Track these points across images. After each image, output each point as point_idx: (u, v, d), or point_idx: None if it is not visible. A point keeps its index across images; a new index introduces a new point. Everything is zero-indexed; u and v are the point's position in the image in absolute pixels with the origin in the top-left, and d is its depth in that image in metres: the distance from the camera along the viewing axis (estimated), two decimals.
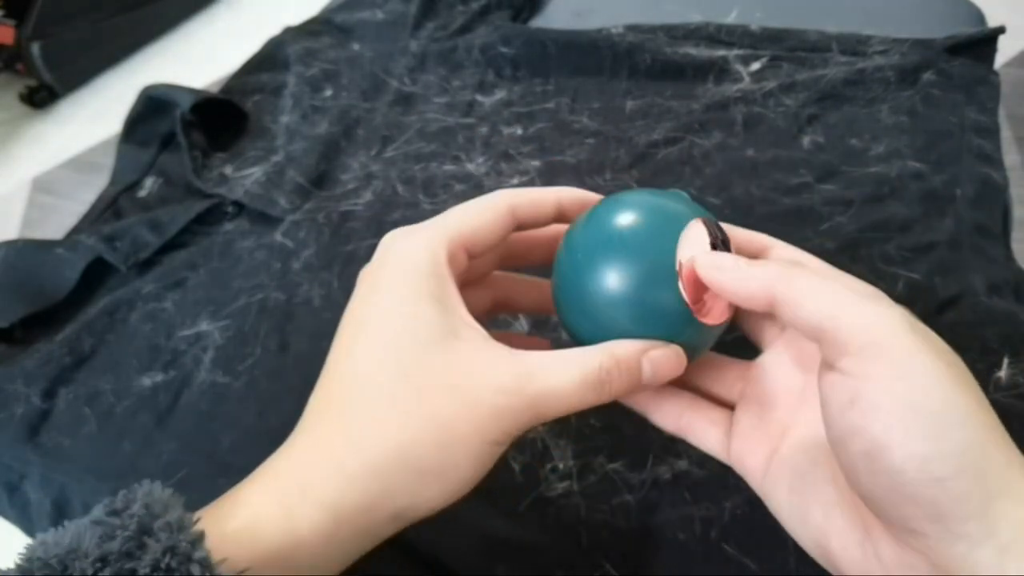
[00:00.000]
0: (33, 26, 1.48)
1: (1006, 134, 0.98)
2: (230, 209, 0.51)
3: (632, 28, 0.57)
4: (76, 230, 0.53)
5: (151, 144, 0.58)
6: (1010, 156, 1.08)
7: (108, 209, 0.54)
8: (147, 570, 0.18)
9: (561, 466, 0.34)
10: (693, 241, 0.24)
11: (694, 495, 0.32)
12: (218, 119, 0.58)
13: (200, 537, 0.19)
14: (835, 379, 0.20)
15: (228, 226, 0.50)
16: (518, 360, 0.23)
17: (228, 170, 0.53)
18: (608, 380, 0.23)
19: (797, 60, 0.52)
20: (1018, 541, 0.17)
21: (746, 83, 0.51)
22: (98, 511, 0.19)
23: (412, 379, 0.22)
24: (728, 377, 0.27)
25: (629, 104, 0.52)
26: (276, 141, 0.56)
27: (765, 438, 0.25)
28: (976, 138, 0.45)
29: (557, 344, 0.34)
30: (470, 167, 0.50)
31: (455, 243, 0.25)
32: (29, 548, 0.19)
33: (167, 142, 0.58)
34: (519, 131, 0.52)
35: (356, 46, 0.64)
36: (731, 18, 0.58)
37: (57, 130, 1.56)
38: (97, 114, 1.58)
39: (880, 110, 0.47)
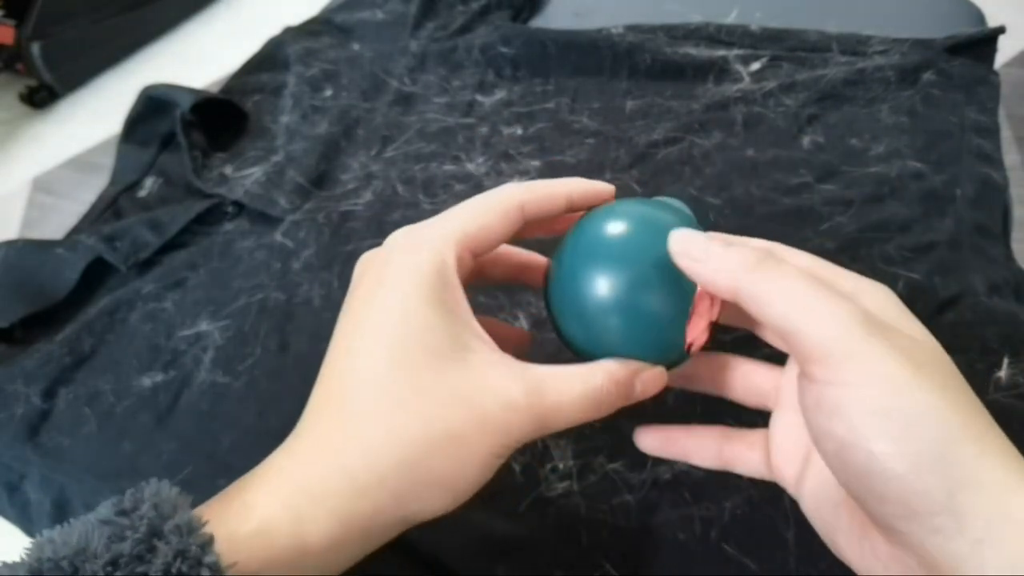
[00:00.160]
0: (33, 26, 1.48)
1: (1006, 134, 0.98)
2: (230, 209, 0.51)
3: (632, 28, 0.57)
4: (76, 230, 0.53)
5: (151, 144, 0.58)
6: (1010, 156, 1.08)
7: (108, 209, 0.54)
8: (158, 574, 0.18)
9: (561, 466, 0.34)
10: (699, 314, 0.25)
11: (694, 495, 0.32)
12: (218, 119, 0.58)
13: (210, 541, 0.19)
14: (804, 383, 0.21)
15: (228, 226, 0.50)
16: (527, 375, 0.23)
17: (228, 170, 0.53)
18: (607, 399, 0.24)
19: (797, 60, 0.52)
20: (992, 532, 0.18)
21: (746, 83, 0.51)
22: (106, 510, 0.19)
23: (425, 390, 0.22)
24: (756, 384, 0.27)
25: (629, 104, 0.52)
26: (276, 141, 0.56)
27: (799, 445, 0.25)
28: (976, 138, 0.45)
29: (541, 341, 0.34)
30: (470, 167, 0.50)
31: (463, 246, 0.24)
32: (36, 546, 0.19)
33: (167, 142, 0.58)
34: (519, 131, 0.52)
35: (356, 46, 0.64)
36: (731, 18, 0.58)
37: (57, 130, 1.56)
38: (97, 114, 1.58)
39: (880, 110, 0.47)
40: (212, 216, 0.51)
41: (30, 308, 0.46)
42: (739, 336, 0.29)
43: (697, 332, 0.25)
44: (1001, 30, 0.49)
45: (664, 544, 0.31)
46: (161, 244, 0.48)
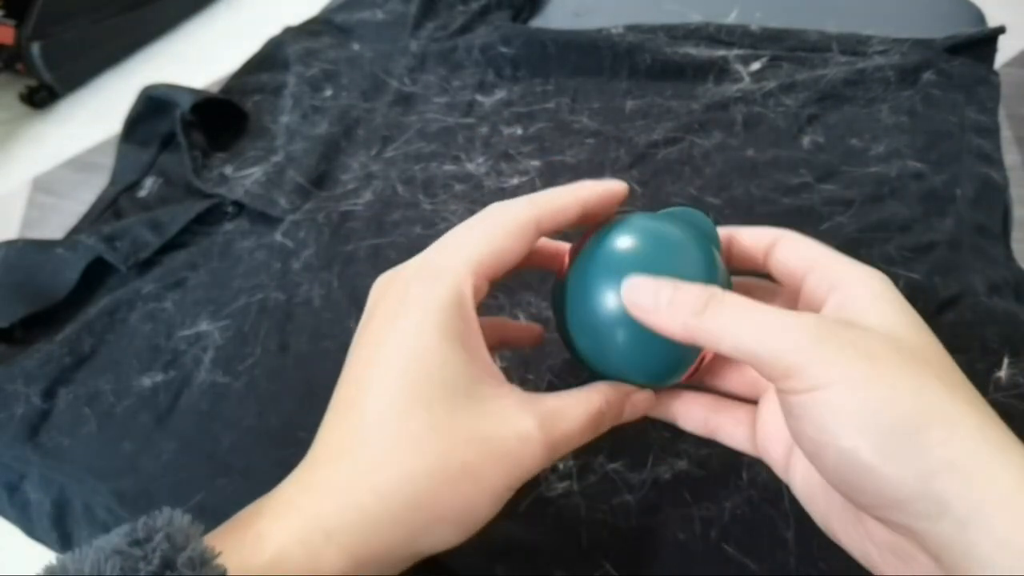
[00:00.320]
0: (33, 26, 1.48)
1: (1006, 134, 0.98)
2: (230, 209, 0.51)
3: (632, 28, 0.57)
4: (76, 230, 0.53)
5: (151, 144, 0.58)
6: (1010, 156, 1.07)
7: (108, 209, 0.54)
8: None
9: (561, 466, 0.34)
10: None
11: (694, 495, 0.32)
12: (218, 119, 0.58)
13: (223, 574, 0.19)
14: (779, 395, 0.22)
15: (228, 226, 0.50)
16: (539, 408, 0.23)
17: (228, 170, 0.53)
18: (603, 422, 0.25)
19: (797, 60, 0.52)
20: (976, 514, 0.18)
21: (746, 83, 0.51)
22: (119, 539, 0.19)
23: (440, 427, 0.22)
24: (750, 376, 0.28)
25: (629, 104, 0.52)
26: (276, 141, 0.56)
27: (783, 430, 0.25)
28: (976, 138, 0.45)
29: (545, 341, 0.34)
30: (470, 167, 0.50)
31: (479, 275, 0.24)
32: (48, 570, 0.19)
33: (167, 142, 0.58)
34: (519, 131, 0.52)
35: (356, 46, 0.64)
36: (731, 18, 0.58)
37: (57, 130, 1.56)
38: (97, 114, 1.58)
39: (880, 110, 0.47)
40: (212, 216, 0.51)
41: (30, 308, 0.46)
42: None
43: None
44: (1001, 30, 0.49)
45: (664, 544, 0.31)
46: (161, 244, 0.48)
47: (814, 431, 0.20)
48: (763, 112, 0.49)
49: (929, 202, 0.42)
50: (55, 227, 1.14)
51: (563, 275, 0.27)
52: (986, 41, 0.49)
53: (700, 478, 0.32)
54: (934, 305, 0.37)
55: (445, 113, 0.55)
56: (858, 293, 0.22)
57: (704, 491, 0.32)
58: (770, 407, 0.26)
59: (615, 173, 0.48)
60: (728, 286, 0.26)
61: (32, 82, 1.59)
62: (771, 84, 0.50)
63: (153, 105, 0.57)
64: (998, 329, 0.35)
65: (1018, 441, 0.19)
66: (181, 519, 0.20)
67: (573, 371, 0.37)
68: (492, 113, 0.54)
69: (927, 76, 0.48)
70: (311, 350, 0.41)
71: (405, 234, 0.46)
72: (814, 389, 0.20)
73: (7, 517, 0.42)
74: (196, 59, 1.67)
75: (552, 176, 0.48)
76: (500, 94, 0.56)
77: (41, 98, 1.59)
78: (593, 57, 0.55)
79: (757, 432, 0.27)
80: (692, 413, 0.28)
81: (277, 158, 0.53)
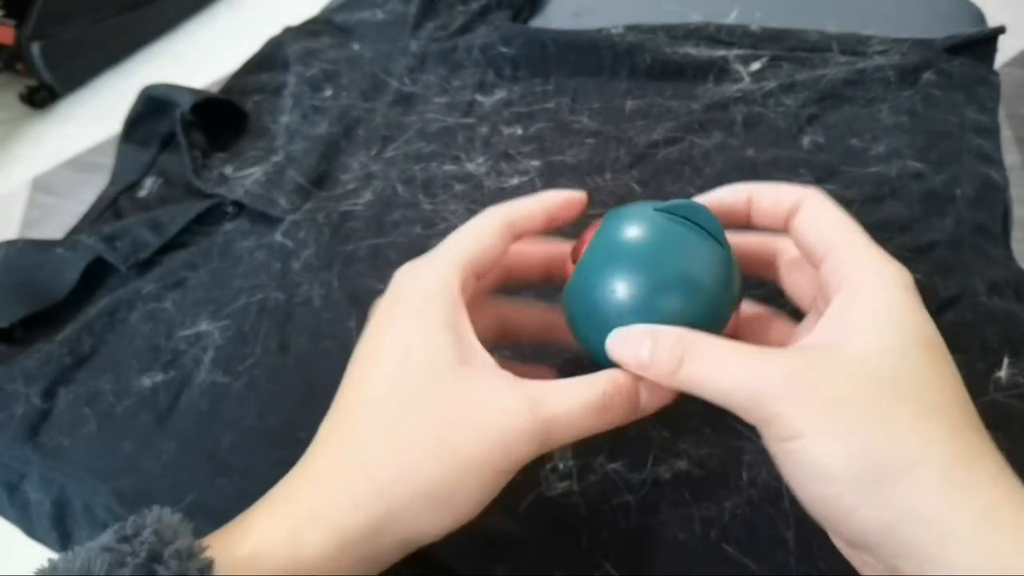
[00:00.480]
0: (33, 26, 1.48)
1: (1006, 134, 0.98)
2: (230, 209, 0.51)
3: (632, 28, 0.57)
4: (76, 230, 0.53)
5: (151, 144, 0.58)
6: (1010, 156, 1.08)
7: (108, 209, 0.54)
8: None
9: (561, 466, 0.34)
10: None
11: (694, 495, 0.32)
12: (218, 119, 0.58)
13: (209, 565, 0.19)
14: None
15: (228, 226, 0.50)
16: (527, 387, 0.23)
17: (228, 170, 0.53)
18: (611, 405, 0.24)
19: (797, 60, 0.52)
20: (937, 557, 0.18)
21: (746, 83, 0.51)
22: (108, 537, 0.20)
23: (422, 404, 0.22)
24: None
25: (629, 104, 0.52)
26: (276, 141, 0.56)
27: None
28: (976, 138, 0.45)
29: (559, 370, 0.34)
30: (470, 167, 0.50)
31: (466, 270, 0.25)
32: (39, 571, 0.19)
33: (167, 142, 0.58)
34: (519, 131, 0.52)
35: (356, 46, 0.64)
36: (731, 18, 0.58)
37: (57, 130, 1.56)
38: (97, 114, 1.58)
39: (880, 110, 0.47)
40: (212, 216, 0.51)
41: (30, 308, 0.46)
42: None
43: None
44: (1001, 30, 0.49)
45: (664, 544, 0.31)
46: (161, 244, 0.48)
47: (790, 477, 0.21)
48: (763, 112, 0.49)
49: (929, 202, 0.42)
50: (55, 227, 1.14)
51: (570, 272, 0.27)
52: (986, 41, 0.49)
53: (700, 478, 0.32)
54: (934, 305, 0.37)
55: (445, 113, 0.55)
56: (859, 301, 0.22)
57: (704, 491, 0.32)
58: None
59: (615, 173, 0.48)
60: (733, 280, 0.26)
61: (32, 82, 1.59)
62: (771, 84, 0.50)
63: (153, 105, 0.57)
64: (998, 329, 0.35)
65: (992, 463, 0.19)
66: (170, 516, 0.20)
67: (581, 368, 0.36)
68: (492, 113, 0.54)
69: (927, 76, 0.48)
70: (311, 350, 0.41)
71: (405, 234, 0.46)
72: (787, 439, 0.21)
73: (7, 517, 0.42)
74: (196, 59, 1.67)
75: (552, 176, 0.48)
76: (500, 94, 0.56)
77: (41, 98, 1.59)
78: (593, 57, 0.55)
79: None
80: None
81: (277, 158, 0.53)
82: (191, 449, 0.38)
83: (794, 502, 0.25)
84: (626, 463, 0.33)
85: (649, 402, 0.25)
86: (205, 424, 0.39)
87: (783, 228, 0.27)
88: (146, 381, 0.41)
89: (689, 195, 0.28)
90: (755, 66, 0.52)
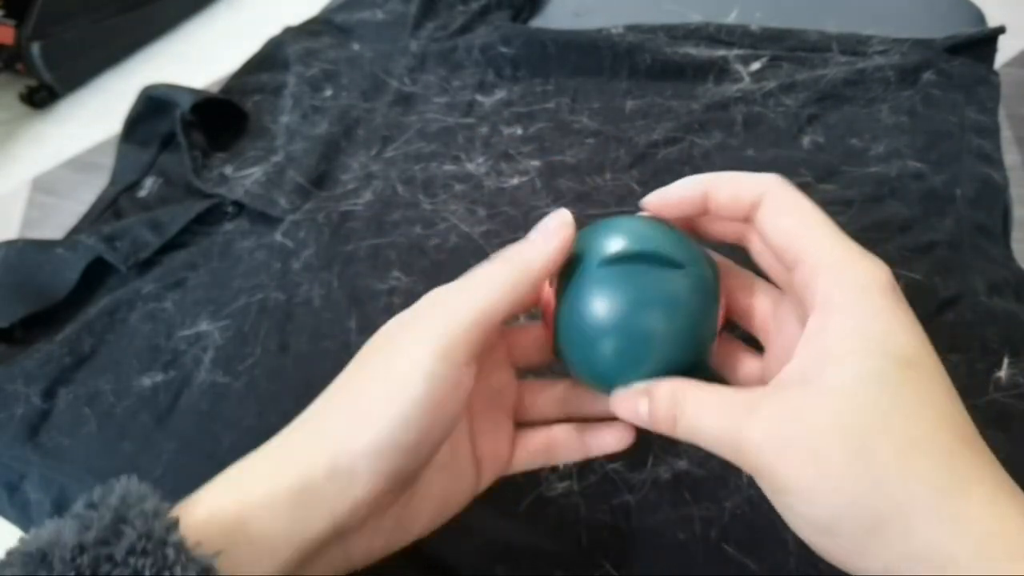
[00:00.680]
0: (33, 26, 1.48)
1: (1006, 134, 0.98)
2: (230, 209, 0.51)
3: (632, 28, 0.57)
4: (76, 230, 0.53)
5: (151, 144, 0.58)
6: (1010, 156, 1.07)
7: (108, 209, 0.54)
8: (123, 554, 0.19)
9: (561, 466, 0.34)
10: None
11: (694, 495, 0.32)
12: (218, 119, 0.58)
13: (175, 523, 0.20)
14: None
15: (228, 226, 0.50)
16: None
17: (228, 170, 0.53)
18: (500, 255, 0.25)
19: (797, 60, 0.52)
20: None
21: (746, 83, 0.51)
22: (77, 507, 0.21)
23: (359, 368, 0.25)
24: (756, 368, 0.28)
25: (629, 104, 0.52)
26: (276, 141, 0.56)
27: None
28: (976, 138, 0.45)
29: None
30: (470, 167, 0.50)
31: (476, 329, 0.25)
32: (10, 547, 0.20)
33: (167, 142, 0.58)
34: (519, 131, 0.52)
35: (356, 46, 0.64)
36: (731, 18, 0.58)
37: (57, 130, 1.56)
38: (97, 114, 1.58)
39: (880, 110, 0.47)
40: (212, 216, 0.51)
41: (30, 308, 0.46)
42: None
43: None
44: (1001, 30, 0.49)
45: (664, 544, 0.31)
46: (161, 244, 0.48)
47: (789, 524, 0.21)
48: (763, 112, 0.49)
49: (929, 202, 0.42)
50: (55, 227, 1.14)
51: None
52: (986, 41, 0.49)
53: (700, 478, 0.32)
54: (934, 305, 0.37)
55: (445, 113, 0.55)
56: (833, 323, 0.21)
57: (704, 491, 0.32)
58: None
59: (615, 173, 0.48)
60: (705, 297, 0.25)
61: (32, 82, 1.59)
62: (771, 84, 0.50)
63: (153, 105, 0.57)
64: (998, 329, 0.35)
65: (988, 483, 0.19)
66: (137, 485, 0.21)
67: None
68: (492, 113, 0.54)
69: (927, 76, 0.48)
70: (311, 350, 0.41)
71: (405, 234, 0.46)
72: (776, 493, 0.21)
73: (7, 517, 0.42)
74: (196, 59, 1.67)
75: (552, 176, 0.48)
76: (500, 94, 0.56)
77: (41, 98, 1.59)
78: (593, 57, 0.55)
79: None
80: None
81: (277, 158, 0.53)
82: (191, 449, 0.38)
83: None
84: (626, 463, 0.33)
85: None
86: (205, 424, 0.39)
87: (745, 221, 0.26)
88: (146, 381, 0.41)
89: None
90: (755, 66, 0.52)
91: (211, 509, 0.22)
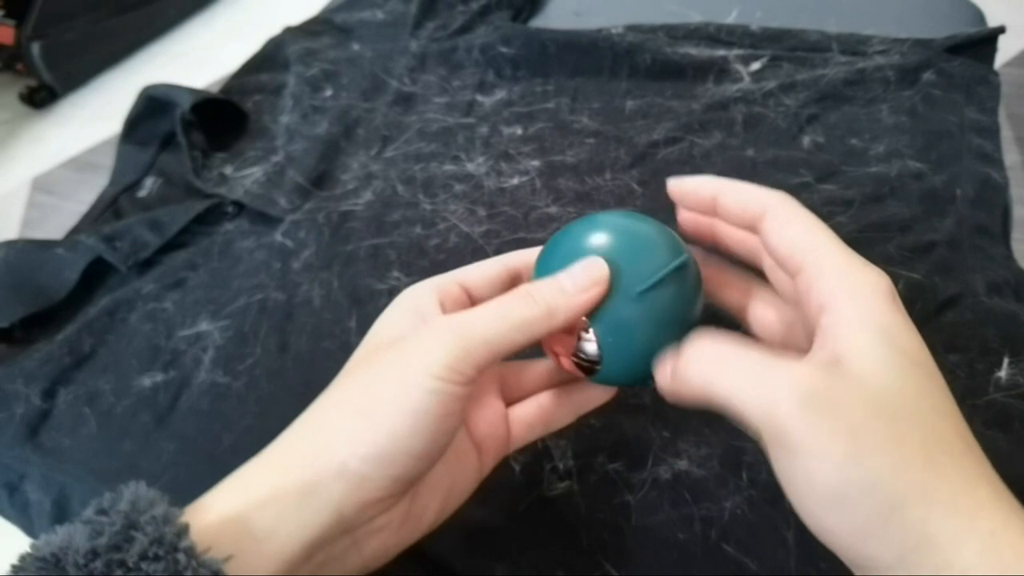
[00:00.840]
0: (33, 26, 1.48)
1: (1006, 134, 0.98)
2: (230, 209, 0.51)
3: (632, 28, 0.57)
4: (76, 230, 0.53)
5: (151, 144, 0.58)
6: (1010, 156, 1.08)
7: (108, 209, 0.54)
8: (135, 559, 0.19)
9: (561, 466, 0.34)
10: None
11: (694, 495, 0.32)
12: (218, 119, 0.58)
13: (185, 529, 0.20)
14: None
15: (228, 226, 0.50)
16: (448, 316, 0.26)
17: (228, 170, 0.53)
18: (528, 291, 0.25)
19: (797, 60, 0.52)
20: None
21: (746, 83, 0.51)
22: (88, 512, 0.21)
23: (360, 368, 0.26)
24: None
25: (629, 104, 0.52)
26: (276, 141, 0.56)
27: None
28: (976, 138, 0.45)
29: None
30: (470, 167, 0.50)
31: (448, 280, 0.28)
32: (23, 552, 0.20)
33: (167, 142, 0.58)
34: (519, 131, 0.52)
35: (356, 46, 0.64)
36: (731, 18, 0.58)
37: (57, 130, 1.56)
38: (97, 114, 1.58)
39: (880, 110, 0.47)
40: (212, 216, 0.51)
41: (30, 308, 0.46)
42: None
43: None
44: (1001, 30, 0.49)
45: (664, 544, 0.31)
46: (161, 244, 0.48)
47: (796, 496, 0.21)
48: (763, 112, 0.49)
49: (929, 202, 0.42)
50: (55, 227, 1.15)
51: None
52: (986, 41, 0.49)
53: (700, 478, 0.32)
54: (934, 305, 0.37)
55: (445, 113, 0.55)
56: (848, 321, 0.22)
57: (704, 491, 0.32)
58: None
59: (615, 173, 0.48)
60: (686, 248, 0.26)
61: (32, 82, 1.59)
62: (771, 84, 0.50)
63: (153, 105, 0.57)
64: (998, 329, 0.35)
65: (989, 485, 0.19)
66: (147, 490, 0.21)
67: None
68: (492, 113, 0.54)
69: (927, 76, 0.48)
70: (311, 350, 0.41)
71: (405, 234, 0.46)
72: (796, 455, 0.20)
73: (7, 517, 0.42)
74: (196, 59, 1.67)
75: (552, 176, 0.48)
76: (500, 94, 0.56)
77: (41, 98, 1.60)
78: (593, 57, 0.55)
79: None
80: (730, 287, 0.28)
81: (277, 158, 0.53)
82: (191, 449, 0.38)
83: None
84: (626, 463, 0.33)
85: (574, 285, 0.25)
86: (205, 424, 0.39)
87: (751, 230, 0.26)
88: (146, 381, 0.41)
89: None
90: (755, 66, 0.52)
91: (219, 513, 0.22)
